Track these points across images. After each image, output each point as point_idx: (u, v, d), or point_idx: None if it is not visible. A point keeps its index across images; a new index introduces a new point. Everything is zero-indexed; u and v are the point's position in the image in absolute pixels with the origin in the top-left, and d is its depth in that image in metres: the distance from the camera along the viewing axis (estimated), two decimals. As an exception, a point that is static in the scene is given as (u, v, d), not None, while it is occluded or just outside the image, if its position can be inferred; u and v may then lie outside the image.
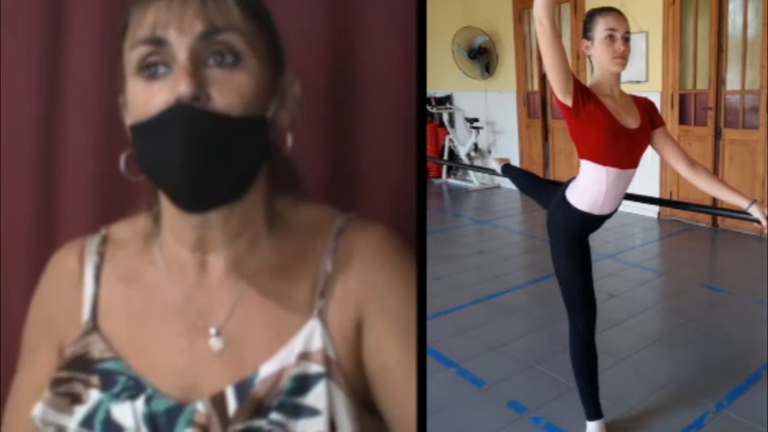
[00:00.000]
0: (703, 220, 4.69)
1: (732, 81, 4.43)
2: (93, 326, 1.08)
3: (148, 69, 0.96)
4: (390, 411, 1.00)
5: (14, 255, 1.35)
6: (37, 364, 1.12)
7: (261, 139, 1.02)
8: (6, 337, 1.29)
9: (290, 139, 1.06)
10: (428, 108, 7.06)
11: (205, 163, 0.95)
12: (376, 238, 1.06)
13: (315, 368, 0.98)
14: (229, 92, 0.96)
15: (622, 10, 1.75)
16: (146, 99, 0.96)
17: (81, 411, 1.02)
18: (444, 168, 7.17)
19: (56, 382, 1.05)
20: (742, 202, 1.74)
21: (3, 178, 1.34)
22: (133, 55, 0.97)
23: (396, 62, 1.26)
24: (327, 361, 0.99)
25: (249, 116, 0.98)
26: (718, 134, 4.52)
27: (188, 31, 0.95)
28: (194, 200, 0.98)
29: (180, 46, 0.95)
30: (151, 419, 1.00)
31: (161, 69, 0.96)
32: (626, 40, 1.71)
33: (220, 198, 1.00)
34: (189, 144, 0.94)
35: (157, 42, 0.95)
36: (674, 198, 4.66)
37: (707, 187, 1.84)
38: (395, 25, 1.25)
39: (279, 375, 0.98)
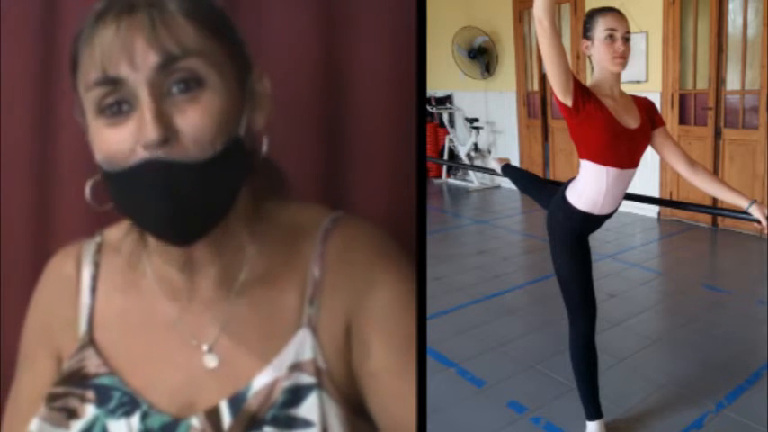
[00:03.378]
0: (703, 220, 4.69)
1: (732, 81, 4.43)
2: (90, 339, 1.07)
3: (110, 109, 0.91)
4: (380, 418, 0.98)
5: (10, 260, 1.34)
6: (35, 372, 1.11)
7: (238, 161, 0.97)
8: (5, 343, 1.29)
9: (265, 144, 1.01)
10: (428, 108, 7.07)
11: (184, 207, 0.92)
12: (363, 238, 1.03)
13: (306, 379, 0.97)
14: (197, 117, 0.91)
15: (622, 10, 1.75)
16: (110, 143, 0.91)
17: (77, 427, 1.01)
18: (444, 168, 7.17)
19: (52, 397, 1.04)
20: (742, 202, 1.74)
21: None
22: (89, 97, 0.92)
23: (396, 62, 1.25)
24: (318, 371, 0.98)
25: (218, 152, 0.92)
26: (718, 134, 4.52)
27: (142, 64, 0.89)
28: (176, 238, 0.96)
29: (138, 83, 0.89)
30: None
31: (124, 107, 0.91)
32: (626, 40, 1.71)
33: (203, 230, 0.97)
34: (165, 195, 0.91)
35: (113, 83, 0.90)
36: (674, 198, 4.66)
37: (707, 187, 1.84)
38: (395, 25, 1.25)
39: (271, 387, 0.97)
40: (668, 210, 4.92)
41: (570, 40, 5.39)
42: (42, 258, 1.26)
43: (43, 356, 1.11)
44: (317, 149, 1.27)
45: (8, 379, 1.18)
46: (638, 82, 4.79)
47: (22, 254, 1.35)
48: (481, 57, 6.57)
